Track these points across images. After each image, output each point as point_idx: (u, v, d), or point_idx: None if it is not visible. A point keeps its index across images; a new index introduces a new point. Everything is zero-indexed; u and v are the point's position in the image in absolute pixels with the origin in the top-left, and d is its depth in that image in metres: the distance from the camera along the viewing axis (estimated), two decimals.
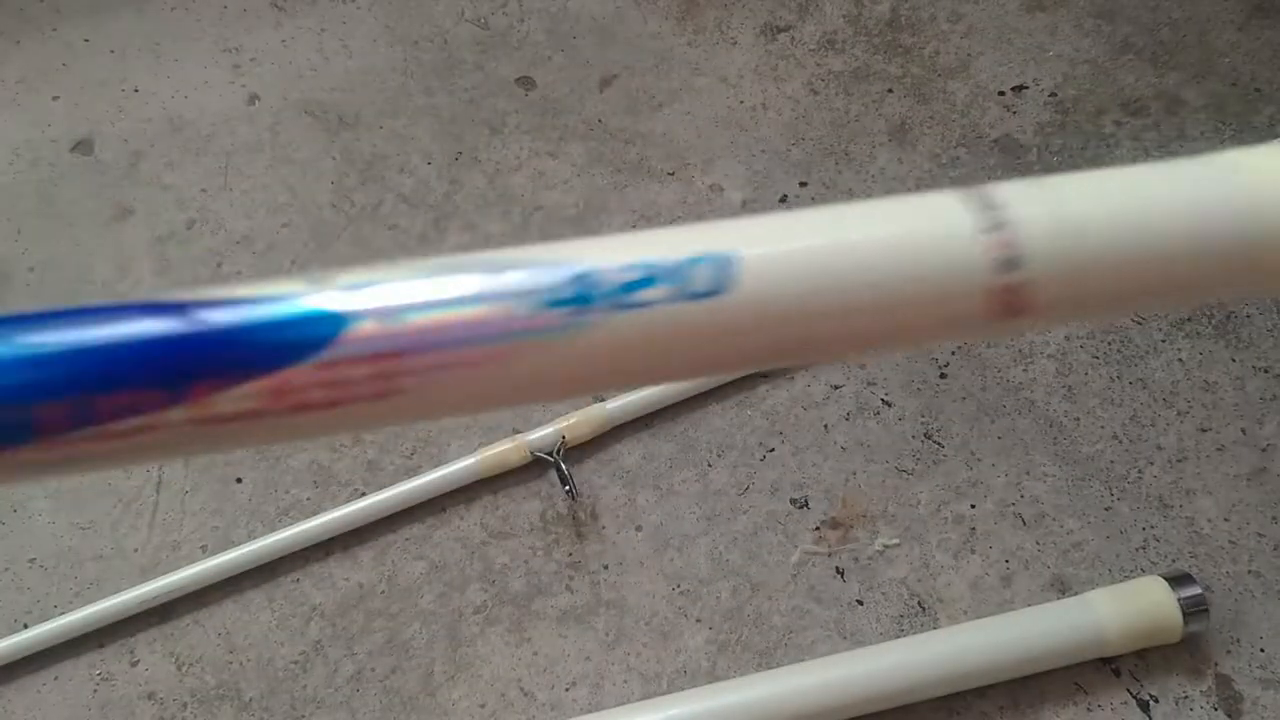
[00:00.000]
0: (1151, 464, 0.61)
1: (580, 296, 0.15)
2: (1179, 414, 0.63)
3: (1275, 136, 0.72)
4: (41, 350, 0.13)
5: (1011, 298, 0.16)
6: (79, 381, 0.13)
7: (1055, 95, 0.75)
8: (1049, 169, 0.73)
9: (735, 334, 0.15)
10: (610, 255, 0.15)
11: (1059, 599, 0.56)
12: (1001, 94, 0.76)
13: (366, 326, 0.14)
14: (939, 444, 0.63)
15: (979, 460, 0.62)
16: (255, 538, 0.61)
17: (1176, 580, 0.54)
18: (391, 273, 0.15)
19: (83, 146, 0.80)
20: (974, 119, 0.75)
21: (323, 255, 0.74)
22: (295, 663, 0.58)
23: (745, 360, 0.15)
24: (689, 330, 0.15)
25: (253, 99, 0.82)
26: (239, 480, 0.64)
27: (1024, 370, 0.65)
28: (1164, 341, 0.65)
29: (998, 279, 0.16)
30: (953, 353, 0.66)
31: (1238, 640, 0.55)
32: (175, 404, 0.14)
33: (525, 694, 0.57)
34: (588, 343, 0.15)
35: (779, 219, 0.17)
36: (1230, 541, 0.58)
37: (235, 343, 0.14)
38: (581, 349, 0.15)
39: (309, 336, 0.14)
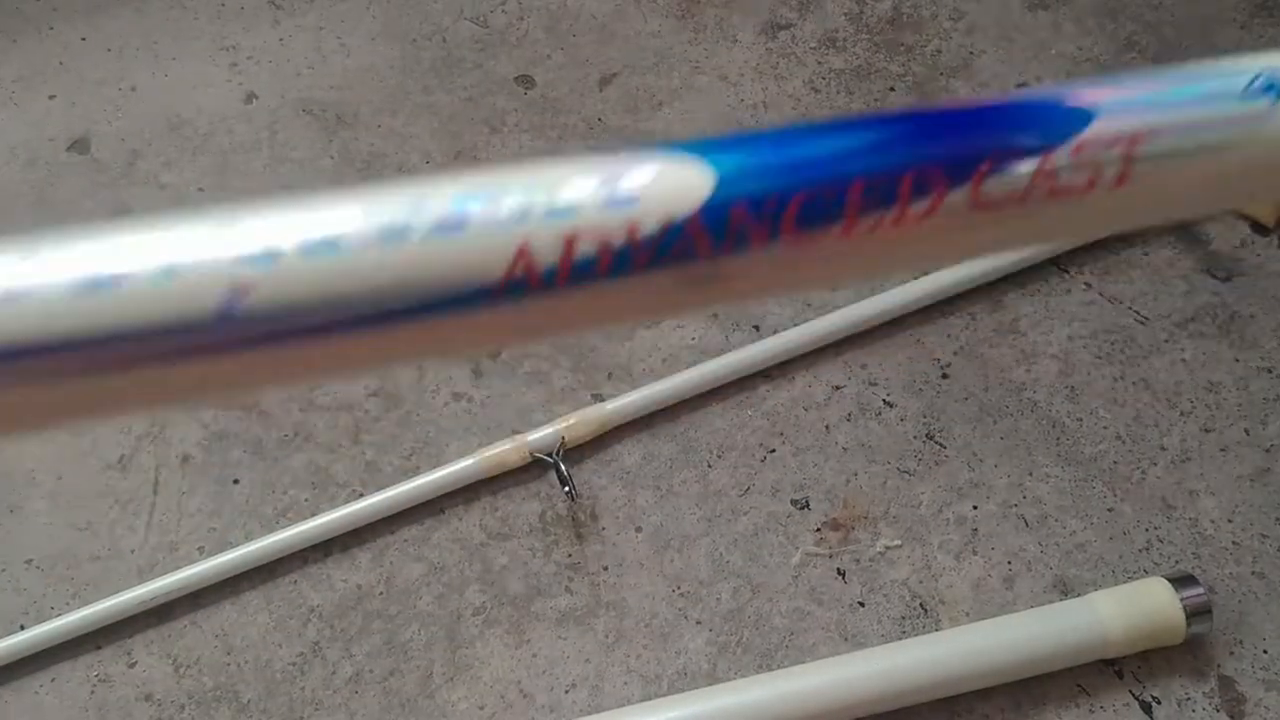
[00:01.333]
0: (1155, 465, 0.61)
1: (1270, 87, 0.16)
2: (1182, 414, 0.62)
3: None
4: (861, 139, 0.15)
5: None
6: (897, 161, 0.15)
7: None
8: None
9: None
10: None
11: (1061, 600, 0.56)
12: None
13: (1111, 119, 0.16)
14: (941, 445, 0.62)
15: (981, 461, 0.62)
16: (253, 539, 0.61)
17: (1179, 581, 0.54)
18: (1125, 82, 0.17)
19: (80, 145, 0.80)
20: None
21: None
22: (293, 664, 0.58)
23: None
24: None
25: (250, 98, 0.81)
26: (236, 481, 0.64)
27: (1026, 370, 0.65)
28: (1167, 342, 0.65)
29: None
30: (955, 353, 0.66)
31: (1241, 642, 0.55)
32: (958, 185, 0.15)
33: (524, 696, 0.56)
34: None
35: None
36: (1233, 542, 0.58)
37: (1009, 126, 0.15)
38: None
39: (1066, 123, 0.16)
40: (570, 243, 0.15)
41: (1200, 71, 0.17)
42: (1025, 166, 0.16)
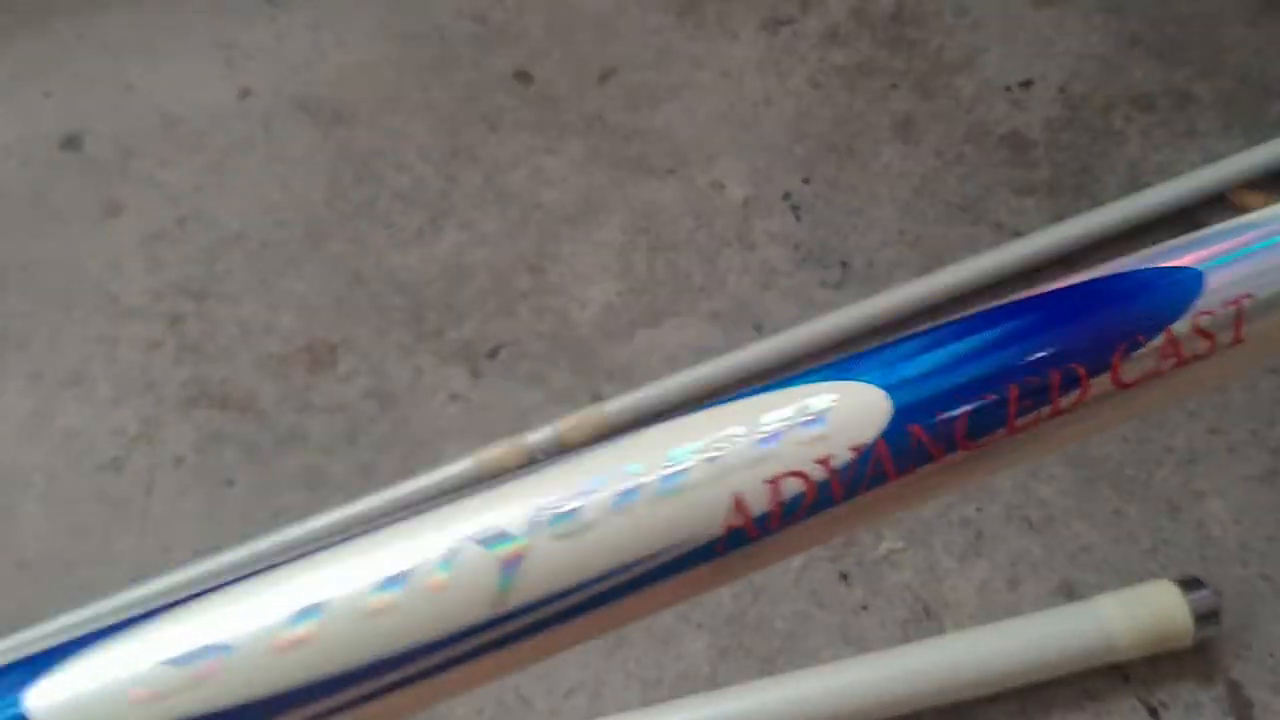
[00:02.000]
0: (1161, 466, 0.60)
1: None
2: (1189, 415, 0.62)
3: None
4: (1011, 338, 0.16)
5: None
6: (1044, 360, 0.16)
7: (1063, 91, 0.74)
8: (1056, 165, 0.72)
9: None
10: None
11: (1067, 604, 0.55)
12: (1008, 89, 0.75)
13: (1217, 279, 0.17)
14: None
15: None
16: (248, 541, 0.60)
17: (1187, 584, 0.53)
18: (1218, 238, 0.18)
19: (74, 143, 0.79)
20: (980, 115, 0.74)
21: (316, 254, 0.73)
22: None
23: None
24: None
25: (246, 95, 0.81)
26: (231, 483, 0.63)
27: None
28: None
29: None
30: None
31: (1249, 645, 0.54)
32: (1099, 373, 0.16)
33: (523, 701, 0.55)
34: None
35: None
36: (1241, 545, 0.57)
37: (1132, 303, 0.17)
38: None
39: (1180, 292, 0.17)
40: (776, 488, 0.16)
41: (1273, 218, 0.18)
42: (1154, 343, 0.17)
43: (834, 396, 0.16)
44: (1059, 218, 0.68)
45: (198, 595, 0.15)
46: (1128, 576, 0.57)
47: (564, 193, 0.74)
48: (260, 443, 0.65)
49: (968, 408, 0.16)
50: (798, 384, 0.17)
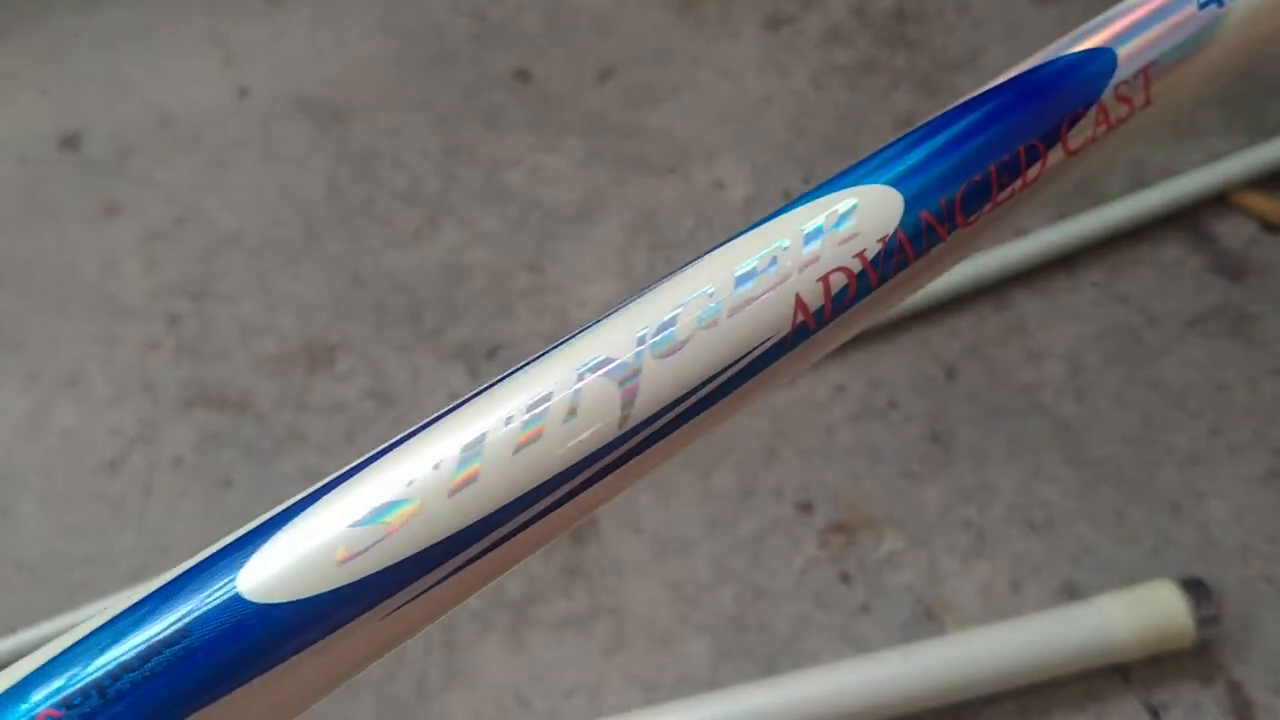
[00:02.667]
0: (1163, 467, 0.60)
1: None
2: (1191, 416, 0.61)
3: None
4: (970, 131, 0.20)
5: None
6: (1012, 139, 0.20)
7: None
8: None
9: None
10: None
11: (1069, 604, 0.55)
12: None
13: (1125, 53, 0.21)
14: (946, 446, 0.62)
15: (987, 463, 0.61)
16: None
17: (1188, 585, 0.53)
18: (1115, 17, 0.22)
19: (71, 142, 0.79)
20: None
21: (314, 253, 0.72)
22: None
23: None
24: None
25: (243, 93, 0.80)
26: (229, 483, 0.63)
27: (1033, 371, 0.64)
28: (1176, 342, 0.64)
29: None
30: (960, 354, 0.65)
31: (1250, 646, 0.54)
32: (1053, 145, 0.20)
33: (522, 702, 0.55)
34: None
35: None
36: (1243, 545, 0.57)
37: (1072, 93, 0.21)
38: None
39: (1102, 70, 0.21)
40: (826, 283, 0.19)
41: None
42: (1090, 114, 0.21)
43: (855, 199, 0.19)
44: (1061, 216, 0.68)
45: (369, 460, 0.17)
46: (1129, 577, 0.56)
47: (563, 191, 0.73)
48: (259, 443, 0.64)
49: (962, 189, 0.20)
50: (823, 194, 0.20)
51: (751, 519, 0.60)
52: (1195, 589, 0.53)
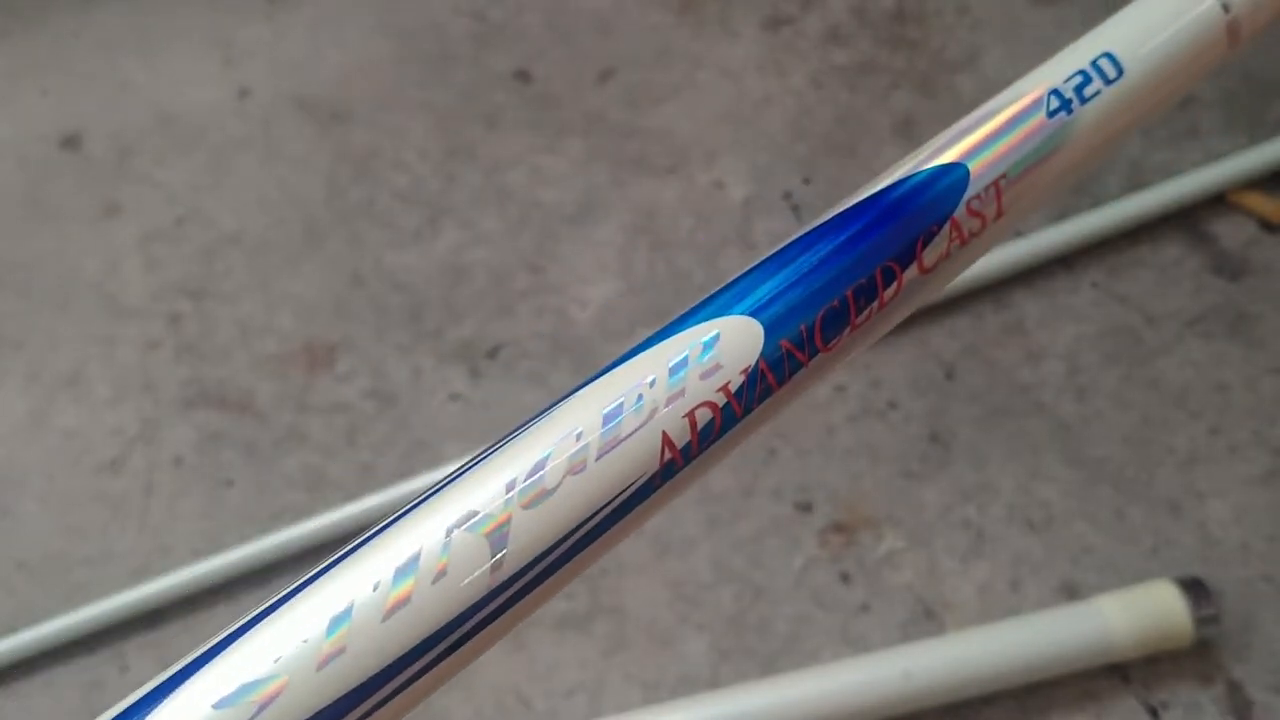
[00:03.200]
0: (1162, 466, 0.60)
1: (1061, 106, 0.23)
2: (1190, 415, 0.61)
3: None
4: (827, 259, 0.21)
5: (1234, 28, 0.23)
6: (868, 264, 0.20)
7: None
8: None
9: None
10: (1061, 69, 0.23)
11: (1068, 604, 0.55)
12: None
13: (977, 167, 0.21)
14: (945, 446, 0.62)
15: (986, 463, 0.61)
16: (247, 542, 0.60)
17: (1187, 585, 0.53)
18: (965, 130, 0.22)
19: (71, 142, 0.79)
20: None
21: (315, 253, 0.72)
22: None
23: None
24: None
25: (244, 93, 0.80)
26: (230, 483, 0.63)
27: (1033, 371, 0.64)
28: (1176, 342, 0.64)
29: (1225, 18, 0.23)
30: (959, 353, 0.65)
31: (1249, 646, 0.54)
32: (908, 265, 0.21)
33: (522, 702, 0.55)
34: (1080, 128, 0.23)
35: None
36: (1242, 545, 0.57)
37: (925, 211, 0.21)
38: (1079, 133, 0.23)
39: (955, 188, 0.21)
40: (692, 419, 0.19)
41: (1005, 105, 0.23)
42: (944, 231, 0.21)
43: (717, 331, 0.19)
44: (1060, 217, 0.68)
45: (231, 637, 0.17)
46: (1129, 577, 0.57)
47: (563, 192, 0.74)
48: (259, 443, 0.64)
49: (820, 314, 0.20)
50: (686, 326, 0.20)
51: (751, 519, 0.60)
52: (1194, 589, 0.53)
